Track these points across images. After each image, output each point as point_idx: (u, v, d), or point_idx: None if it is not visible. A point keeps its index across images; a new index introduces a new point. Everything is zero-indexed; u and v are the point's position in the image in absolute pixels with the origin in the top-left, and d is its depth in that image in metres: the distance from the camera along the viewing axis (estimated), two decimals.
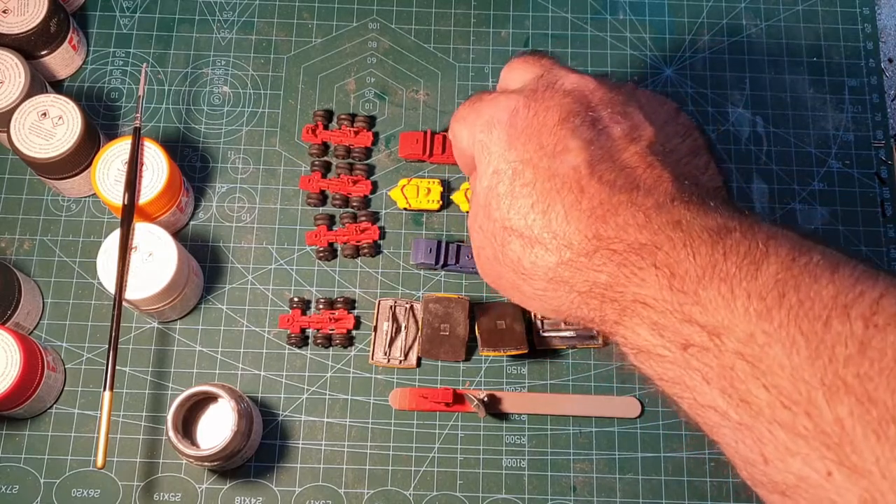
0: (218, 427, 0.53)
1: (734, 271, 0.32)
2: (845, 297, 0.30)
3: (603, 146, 0.38)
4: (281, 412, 0.55)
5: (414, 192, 0.55)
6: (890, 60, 0.66)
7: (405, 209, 0.58)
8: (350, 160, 0.60)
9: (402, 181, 0.57)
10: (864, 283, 0.30)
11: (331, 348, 0.56)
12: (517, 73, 0.44)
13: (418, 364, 0.56)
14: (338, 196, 0.59)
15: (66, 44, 0.60)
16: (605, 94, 0.41)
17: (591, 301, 0.37)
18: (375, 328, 0.56)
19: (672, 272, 0.34)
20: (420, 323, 0.56)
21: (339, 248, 0.59)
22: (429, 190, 0.56)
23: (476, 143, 0.42)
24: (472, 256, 0.44)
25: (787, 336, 0.30)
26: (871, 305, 0.29)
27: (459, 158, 0.46)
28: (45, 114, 0.54)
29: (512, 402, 0.55)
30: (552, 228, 0.38)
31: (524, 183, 0.39)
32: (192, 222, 0.59)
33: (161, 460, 0.54)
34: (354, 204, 0.59)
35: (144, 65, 0.62)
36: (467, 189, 0.52)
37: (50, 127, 0.54)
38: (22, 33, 0.56)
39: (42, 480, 0.53)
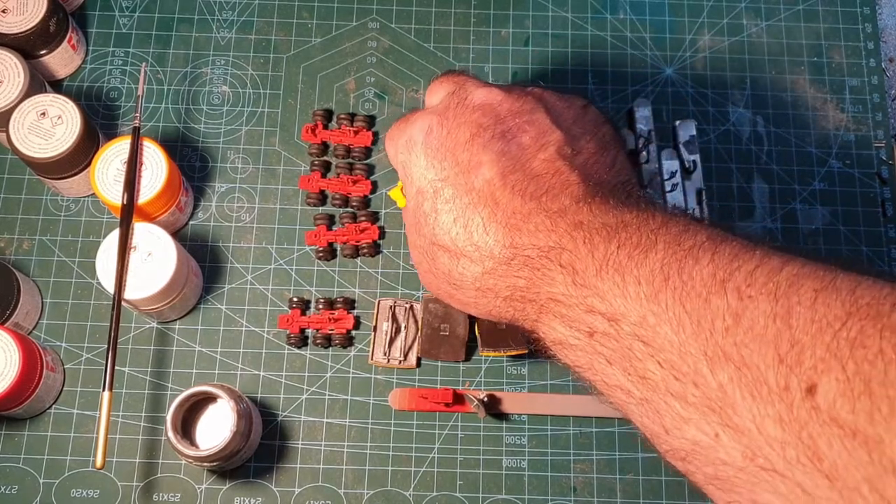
0: (217, 427, 0.52)
1: (625, 261, 0.35)
2: (723, 273, 0.32)
3: (513, 157, 0.41)
4: (280, 412, 0.55)
5: None
6: (891, 60, 0.66)
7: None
8: (350, 160, 0.60)
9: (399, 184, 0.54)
10: (742, 257, 0.33)
11: (330, 348, 0.56)
12: (435, 94, 0.46)
13: (418, 364, 0.56)
14: (337, 196, 0.59)
15: (65, 43, 0.59)
16: (512, 104, 0.43)
17: (515, 304, 0.40)
18: (375, 328, 0.56)
19: (574, 269, 0.37)
20: (420, 323, 0.56)
21: (339, 248, 0.58)
22: None
23: (399, 163, 0.45)
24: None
25: (673, 315, 0.32)
26: (745, 278, 0.32)
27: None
28: (44, 113, 0.54)
29: (512, 402, 0.55)
30: (474, 241, 0.40)
31: (445, 200, 0.41)
32: (191, 222, 0.59)
33: (160, 461, 0.54)
34: (354, 204, 0.59)
35: (144, 64, 0.62)
36: (402, 185, 0.51)
37: (49, 126, 0.54)
38: (21, 33, 0.56)
39: (41, 481, 0.53)
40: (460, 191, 0.41)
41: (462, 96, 0.44)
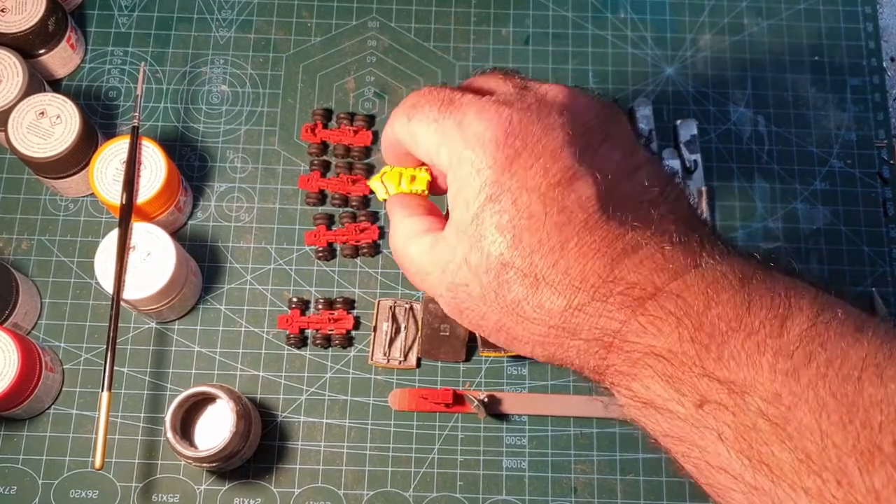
0: (216, 428, 0.52)
1: (758, 325, 0.30)
2: (875, 357, 0.28)
3: (606, 174, 0.35)
4: (280, 413, 0.55)
5: (396, 180, 0.42)
6: (892, 59, 0.65)
7: (385, 201, 0.45)
8: (349, 159, 0.60)
9: (385, 168, 0.43)
10: (894, 342, 0.29)
11: (330, 349, 0.56)
12: (488, 84, 0.39)
13: (418, 364, 0.56)
14: (337, 195, 0.59)
15: (64, 42, 0.59)
16: (598, 111, 0.36)
17: (597, 349, 0.34)
18: (375, 328, 0.56)
19: (691, 322, 0.31)
20: (420, 323, 0.56)
21: (339, 248, 0.58)
22: (413, 177, 0.43)
23: (457, 158, 0.35)
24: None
25: (815, 397, 0.28)
26: None
27: (392, 149, 0.41)
28: (42, 113, 0.54)
29: (512, 402, 0.55)
30: (563, 268, 0.33)
31: (530, 215, 0.33)
32: (190, 222, 0.59)
33: (159, 461, 0.54)
34: (354, 203, 0.59)
35: (143, 64, 0.62)
36: (385, 173, 0.42)
37: (48, 126, 0.54)
38: (20, 32, 0.56)
39: (40, 481, 0.53)
40: (551, 207, 0.33)
41: (540, 93, 0.36)
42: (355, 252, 0.58)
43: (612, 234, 0.33)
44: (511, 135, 0.34)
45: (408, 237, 0.38)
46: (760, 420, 0.29)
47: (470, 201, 0.35)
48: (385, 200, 0.42)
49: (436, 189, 0.41)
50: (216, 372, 0.55)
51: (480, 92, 0.37)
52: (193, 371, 0.55)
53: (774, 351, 0.29)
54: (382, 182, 0.42)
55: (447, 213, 0.37)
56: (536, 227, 0.33)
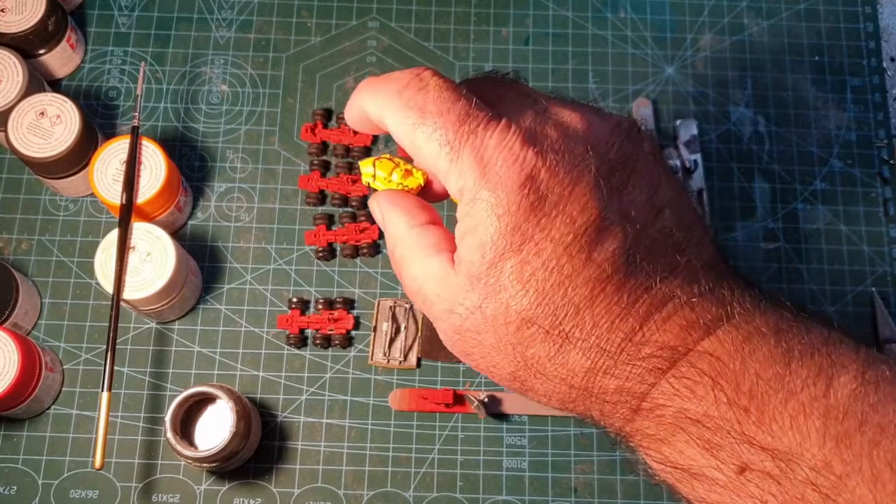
0: (216, 428, 0.52)
1: (800, 385, 0.28)
2: None
3: (634, 223, 0.31)
4: (280, 413, 0.55)
5: (388, 170, 0.37)
6: (892, 59, 0.65)
7: (368, 185, 0.40)
8: (349, 159, 0.60)
9: (385, 155, 0.38)
10: None
11: (330, 349, 0.56)
12: (502, 100, 0.35)
13: (418, 365, 0.56)
14: (337, 195, 0.59)
15: (63, 42, 0.59)
16: (620, 141, 0.33)
17: (623, 411, 0.31)
18: (375, 329, 0.56)
19: (730, 385, 0.29)
20: (420, 323, 0.56)
21: (339, 248, 0.58)
22: (408, 172, 0.37)
23: (473, 194, 0.31)
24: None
25: (869, 466, 0.26)
26: None
27: (364, 124, 0.36)
28: (42, 113, 0.54)
29: (512, 402, 0.55)
30: (589, 327, 0.31)
31: (556, 269, 0.31)
32: (190, 222, 0.59)
33: (159, 461, 0.54)
34: (353, 203, 0.59)
35: (143, 63, 0.62)
36: (379, 159, 0.37)
37: (48, 126, 0.54)
38: (20, 32, 0.56)
39: (40, 481, 0.53)
40: (577, 260, 0.30)
41: (562, 124, 0.32)
42: (355, 252, 0.58)
43: (640, 289, 0.31)
44: (535, 179, 0.31)
45: (411, 251, 0.34)
46: (809, 490, 0.27)
47: (486, 246, 0.31)
48: (369, 185, 0.37)
49: (427, 193, 0.36)
50: (216, 372, 0.55)
51: (492, 107, 0.33)
52: (193, 371, 0.55)
53: (822, 414, 0.27)
54: (374, 167, 0.37)
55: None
56: (562, 282, 0.31)
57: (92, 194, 0.58)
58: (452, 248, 0.33)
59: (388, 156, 0.38)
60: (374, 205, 0.36)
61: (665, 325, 0.30)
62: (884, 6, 0.66)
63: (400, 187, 0.36)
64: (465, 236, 0.32)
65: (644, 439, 0.31)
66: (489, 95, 0.33)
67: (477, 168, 0.31)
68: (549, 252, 0.30)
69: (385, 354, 0.56)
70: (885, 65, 0.64)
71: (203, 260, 0.58)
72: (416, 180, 0.36)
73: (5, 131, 0.54)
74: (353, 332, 0.56)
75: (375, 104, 0.34)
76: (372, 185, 0.38)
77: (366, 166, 0.38)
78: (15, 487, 0.53)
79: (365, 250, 0.58)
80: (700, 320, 0.30)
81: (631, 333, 0.30)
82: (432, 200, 0.36)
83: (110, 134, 0.60)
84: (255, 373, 0.56)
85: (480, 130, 0.31)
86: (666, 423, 0.30)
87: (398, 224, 0.35)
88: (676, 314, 0.30)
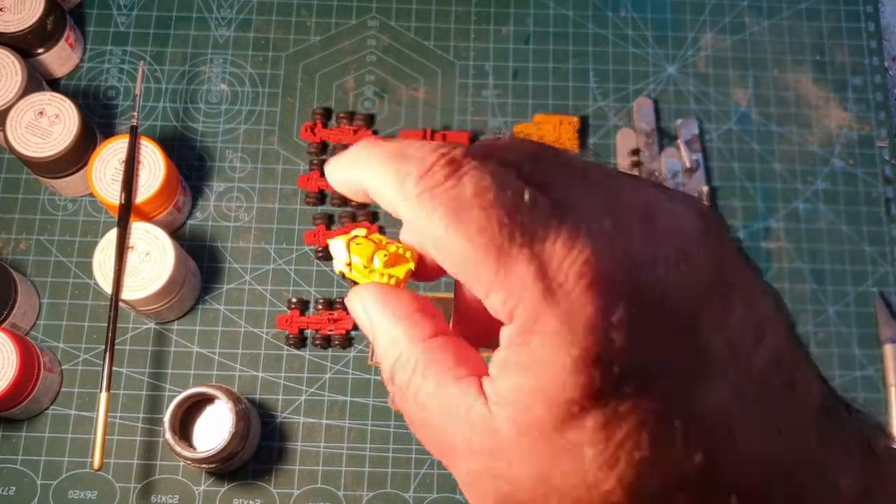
0: (215, 429, 0.52)
1: None
2: None
3: (740, 389, 0.23)
4: (279, 414, 0.55)
5: (367, 255, 0.26)
6: (893, 59, 0.65)
7: (342, 275, 0.27)
8: None
9: (356, 231, 0.27)
10: None
11: (329, 349, 0.56)
12: (558, 181, 0.24)
13: None
14: (337, 195, 0.59)
15: (62, 42, 0.59)
16: (712, 249, 0.23)
17: None
18: None
19: None
20: None
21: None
22: (393, 258, 0.26)
23: (533, 323, 0.22)
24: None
25: None
26: None
27: (355, 193, 0.26)
28: (41, 112, 0.54)
29: None
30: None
31: (656, 441, 0.21)
32: (189, 222, 0.59)
33: (158, 462, 0.53)
34: (353, 203, 0.59)
35: (142, 63, 0.61)
36: (354, 238, 0.26)
37: (47, 125, 0.54)
38: (18, 31, 0.56)
39: (39, 482, 0.53)
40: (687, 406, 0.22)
41: (647, 217, 0.23)
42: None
43: (757, 451, 0.22)
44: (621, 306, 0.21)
45: (423, 378, 0.24)
46: None
47: (556, 394, 0.21)
48: (342, 274, 0.26)
49: (417, 271, 0.26)
50: (215, 372, 0.55)
51: (545, 193, 0.23)
52: (192, 371, 0.55)
53: None
54: (348, 249, 0.27)
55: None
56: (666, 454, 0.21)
57: (90, 194, 0.58)
58: (474, 370, 0.24)
59: (363, 233, 0.27)
60: (357, 306, 0.26)
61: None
62: (885, 5, 0.66)
63: (384, 278, 0.26)
64: (514, 374, 0.22)
65: None
66: (536, 174, 0.23)
67: (538, 286, 0.22)
68: (651, 416, 0.21)
69: None
70: (886, 64, 0.64)
71: (202, 260, 0.58)
72: (407, 266, 0.26)
73: (4, 131, 0.53)
74: (353, 333, 0.56)
75: (385, 186, 0.24)
76: (347, 276, 0.27)
77: (337, 250, 0.27)
78: (14, 488, 0.53)
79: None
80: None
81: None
82: (423, 280, 0.26)
83: (109, 133, 0.60)
84: (255, 373, 0.55)
85: (540, 231, 0.22)
86: None
87: (396, 338, 0.25)
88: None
